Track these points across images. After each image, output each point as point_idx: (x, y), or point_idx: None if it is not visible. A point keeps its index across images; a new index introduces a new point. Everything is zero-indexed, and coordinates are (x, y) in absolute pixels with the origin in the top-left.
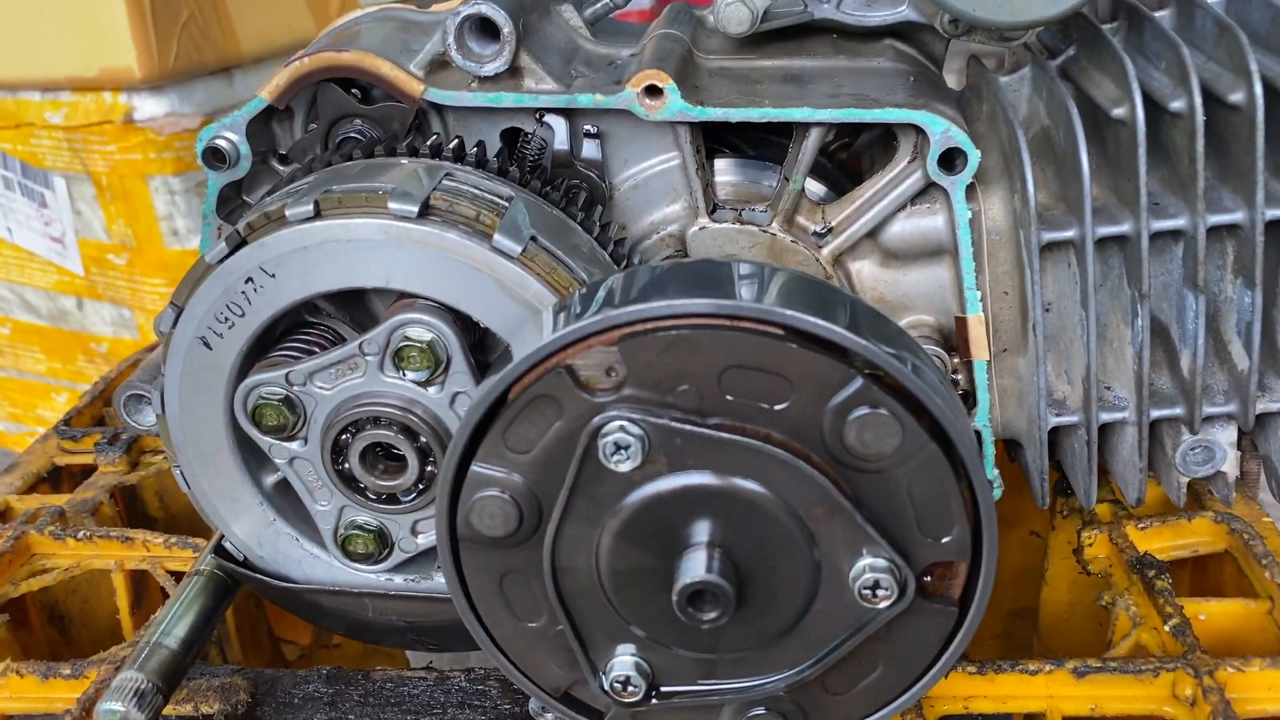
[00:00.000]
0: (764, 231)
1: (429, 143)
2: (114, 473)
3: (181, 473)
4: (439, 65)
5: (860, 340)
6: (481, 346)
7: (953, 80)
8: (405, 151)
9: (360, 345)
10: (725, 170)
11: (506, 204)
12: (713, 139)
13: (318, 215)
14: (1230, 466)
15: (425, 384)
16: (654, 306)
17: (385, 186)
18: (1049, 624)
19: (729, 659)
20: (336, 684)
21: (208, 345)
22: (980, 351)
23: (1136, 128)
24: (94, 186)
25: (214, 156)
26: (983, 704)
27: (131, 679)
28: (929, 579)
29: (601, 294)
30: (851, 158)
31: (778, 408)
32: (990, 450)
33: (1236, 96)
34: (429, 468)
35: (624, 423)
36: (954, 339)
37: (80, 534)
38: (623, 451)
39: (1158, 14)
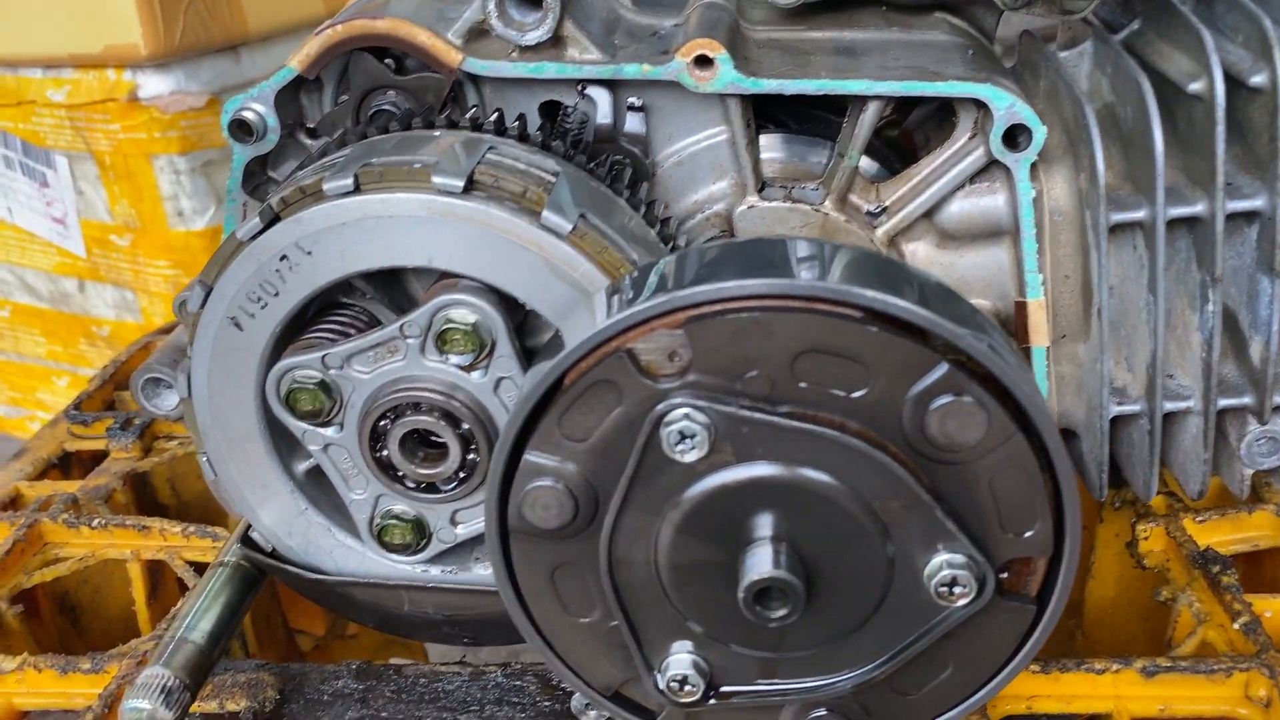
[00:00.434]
0: (816, 210)
1: (468, 115)
2: (127, 459)
3: (207, 459)
4: (477, 34)
5: (948, 323)
6: (522, 330)
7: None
8: (444, 124)
9: (401, 327)
10: (770, 146)
11: (553, 179)
12: (756, 114)
13: (357, 189)
14: None
15: (469, 368)
16: (725, 287)
17: (428, 160)
18: (1094, 618)
19: (792, 658)
20: (367, 679)
21: (239, 326)
22: (1040, 338)
23: (1216, 103)
24: (97, 166)
25: (240, 129)
26: (1046, 704)
27: (157, 675)
28: (1005, 575)
29: (655, 276)
30: (902, 136)
31: (854, 395)
32: None
33: None
34: (471, 455)
35: (689, 410)
36: (1012, 325)
37: (95, 522)
38: (687, 441)
39: None
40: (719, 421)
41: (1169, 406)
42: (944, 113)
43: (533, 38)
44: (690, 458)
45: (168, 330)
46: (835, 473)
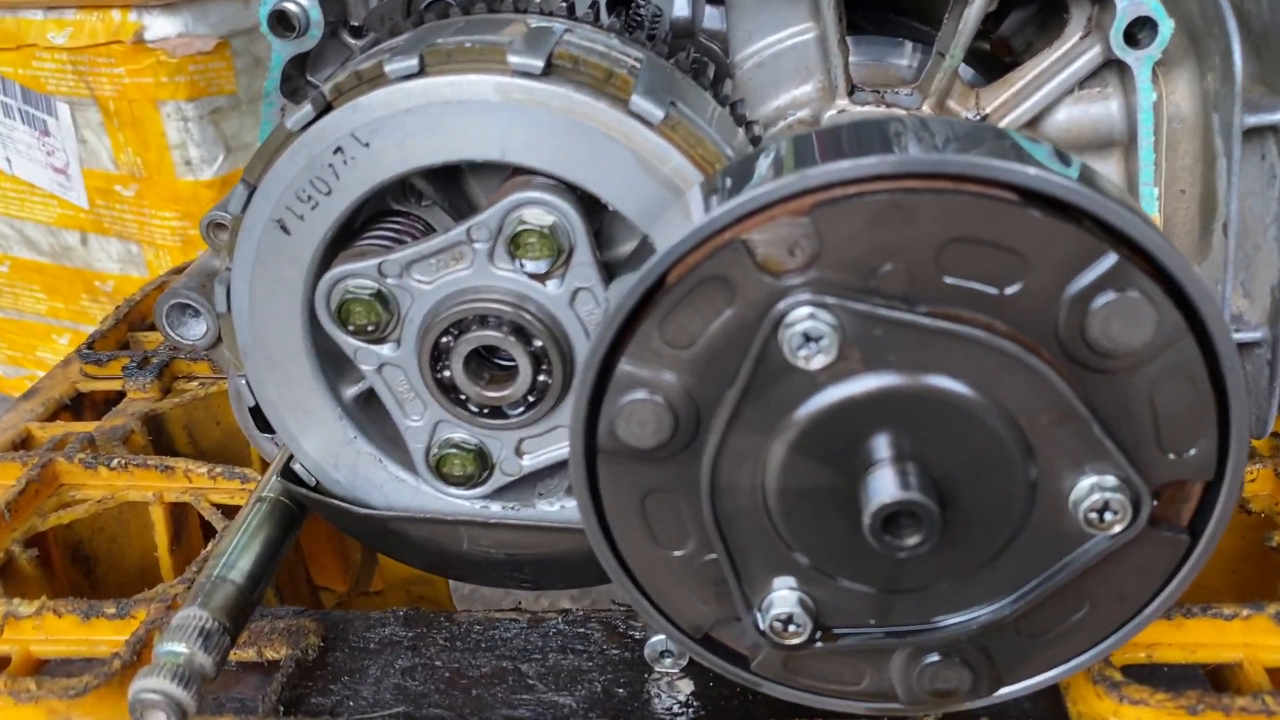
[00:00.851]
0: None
1: (537, 1)
2: (145, 400)
3: (245, 382)
4: None
5: (1123, 208)
6: (598, 242)
7: None
8: (509, 9)
9: (468, 230)
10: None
11: (637, 65)
12: None
13: (422, 71)
14: None
15: (543, 277)
16: (868, 163)
17: (502, 40)
18: None
19: (910, 596)
20: (416, 626)
21: (285, 230)
22: None
23: None
24: (101, 112)
25: (280, 22)
26: (1169, 652)
27: (194, 616)
28: (1156, 502)
29: (765, 162)
30: (996, 45)
31: (1008, 291)
32: None
33: None
34: (542, 377)
35: (815, 309)
36: None
37: (114, 462)
38: (813, 344)
39: None
40: (849, 322)
41: None
42: (1046, 15)
43: None
44: (815, 364)
45: (182, 270)
46: (977, 383)
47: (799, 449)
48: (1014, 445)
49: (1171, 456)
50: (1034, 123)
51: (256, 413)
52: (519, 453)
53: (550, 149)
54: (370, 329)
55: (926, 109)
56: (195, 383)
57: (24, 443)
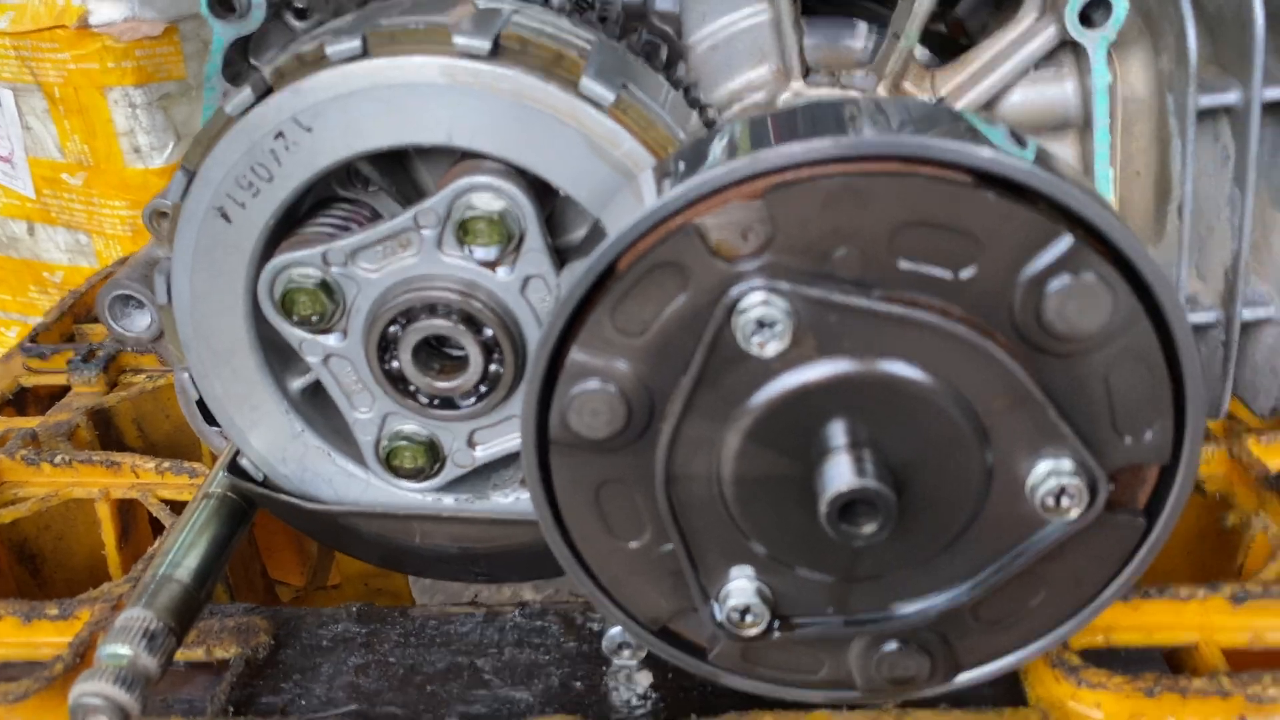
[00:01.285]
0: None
1: None
2: (90, 393)
3: (189, 376)
4: None
5: (1077, 190)
6: (549, 229)
7: None
8: None
9: (415, 216)
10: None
11: (588, 47)
12: None
13: (365, 54)
14: None
15: (493, 265)
16: (818, 146)
17: (448, 20)
18: None
19: (867, 584)
20: (370, 622)
21: (226, 218)
22: None
23: None
24: (46, 99)
25: (221, 3)
26: (1126, 635)
27: (139, 617)
28: (1113, 486)
29: (718, 145)
30: (953, 27)
31: (963, 275)
32: None
33: None
34: (493, 366)
35: (769, 295)
36: None
37: (58, 459)
38: (766, 330)
39: None
40: (803, 308)
41: (1246, 314)
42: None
43: None
44: (769, 351)
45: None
46: (933, 368)
47: (754, 437)
48: (970, 431)
49: (1128, 440)
50: (990, 105)
51: (203, 406)
52: (471, 444)
53: (498, 132)
54: (315, 319)
55: (882, 91)
56: (143, 375)
57: None
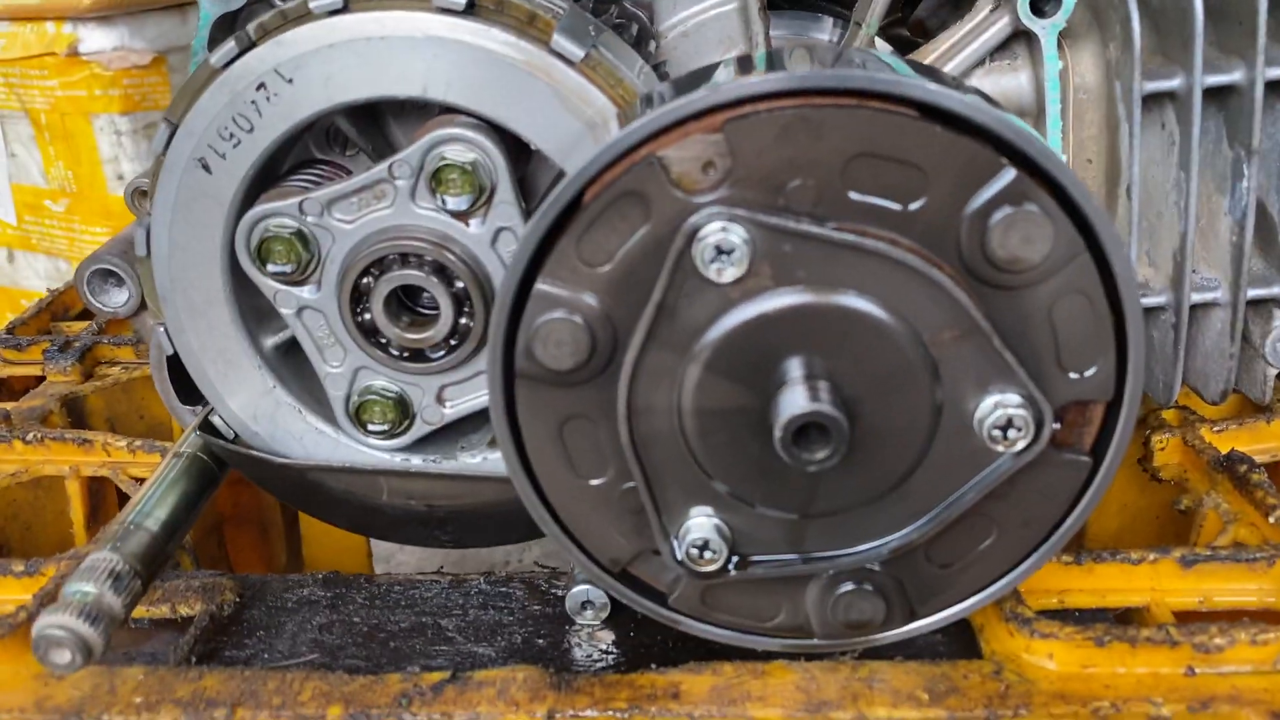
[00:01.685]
0: None
1: None
2: (65, 382)
3: (164, 330)
4: None
5: (1016, 125)
6: (522, 187)
7: None
8: None
9: (390, 167)
10: (772, 20)
11: (561, 10)
12: None
13: (346, 8)
14: None
15: (465, 216)
16: (773, 79)
17: None
18: (1101, 542)
19: (822, 522)
20: (335, 587)
21: (207, 168)
22: None
23: None
24: (32, 126)
25: None
26: (1079, 598)
27: (105, 559)
28: (1059, 426)
29: (678, 88)
30: (913, 27)
31: (911, 207)
32: None
33: None
34: (464, 319)
35: (727, 223)
36: None
37: (29, 436)
38: (724, 257)
39: None
40: (759, 236)
41: (1195, 298)
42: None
43: None
44: (726, 277)
45: None
46: (883, 299)
47: (713, 367)
48: (920, 364)
49: (1072, 375)
50: None
51: (176, 370)
52: (440, 400)
53: (471, 86)
54: (290, 269)
55: None
56: (118, 367)
57: None
